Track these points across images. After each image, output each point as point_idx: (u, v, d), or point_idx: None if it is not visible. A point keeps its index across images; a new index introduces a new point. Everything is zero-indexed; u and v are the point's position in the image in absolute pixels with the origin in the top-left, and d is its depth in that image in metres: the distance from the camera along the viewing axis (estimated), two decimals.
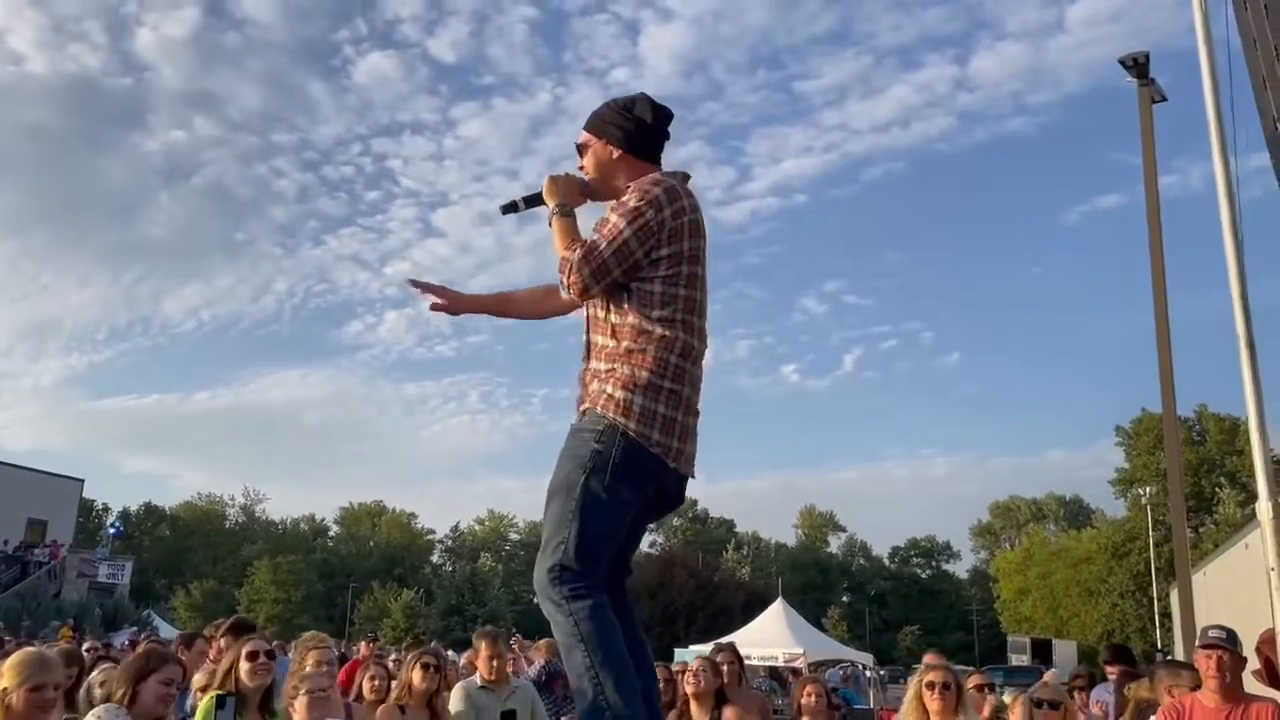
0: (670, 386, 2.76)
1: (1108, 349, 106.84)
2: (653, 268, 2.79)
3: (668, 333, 2.77)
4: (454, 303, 3.32)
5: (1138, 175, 13.33)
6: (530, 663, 9.35)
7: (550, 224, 2.98)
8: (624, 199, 2.86)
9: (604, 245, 2.78)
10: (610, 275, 2.79)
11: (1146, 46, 12.72)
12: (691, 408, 2.83)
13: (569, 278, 2.81)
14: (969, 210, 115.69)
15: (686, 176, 3.01)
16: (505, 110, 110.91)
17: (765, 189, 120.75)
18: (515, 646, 11.49)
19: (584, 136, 3.08)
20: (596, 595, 2.70)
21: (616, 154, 3.00)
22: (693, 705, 5.26)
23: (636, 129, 3.00)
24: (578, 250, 2.81)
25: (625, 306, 2.81)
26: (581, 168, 3.09)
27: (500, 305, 3.41)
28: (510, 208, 3.17)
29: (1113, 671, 7.35)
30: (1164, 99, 12.48)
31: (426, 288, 3.31)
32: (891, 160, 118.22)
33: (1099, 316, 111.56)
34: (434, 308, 3.32)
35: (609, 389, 2.76)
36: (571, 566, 2.70)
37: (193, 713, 4.35)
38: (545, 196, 3.05)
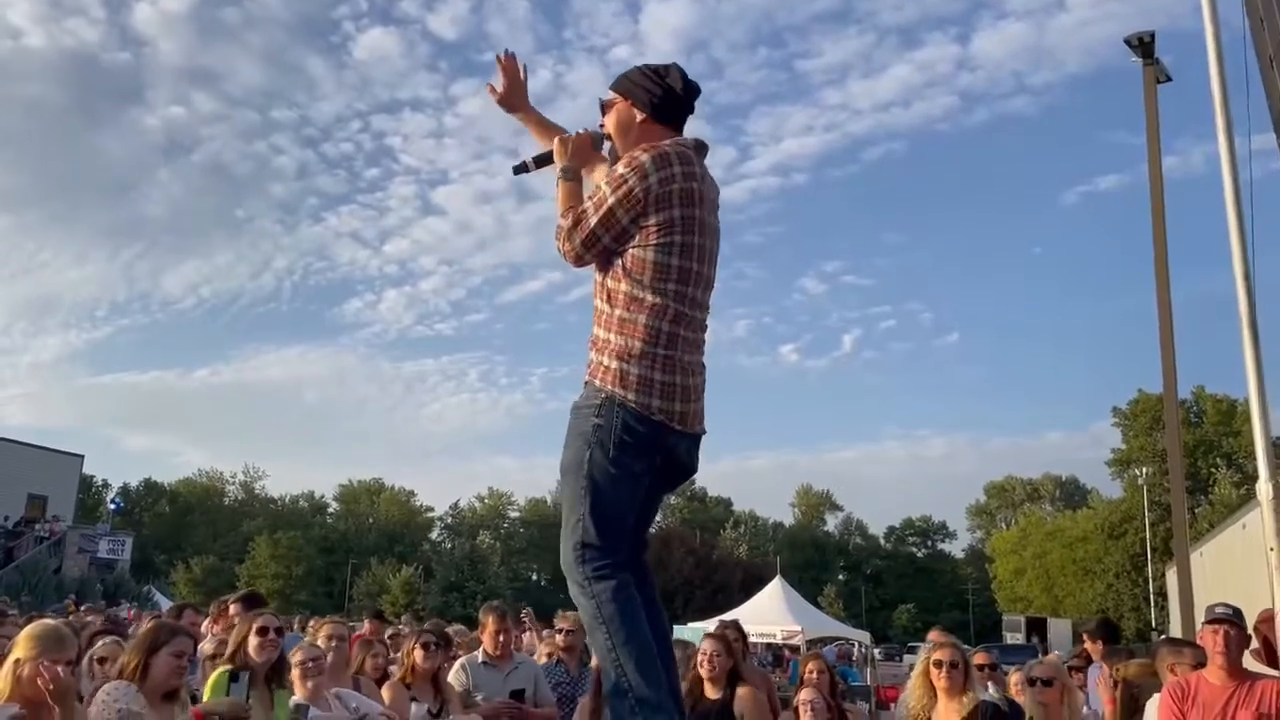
0: (664, 353, 2.78)
1: (1105, 330, 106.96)
2: (643, 235, 2.80)
3: (659, 300, 2.78)
4: (512, 98, 3.44)
5: (1138, 156, 13.29)
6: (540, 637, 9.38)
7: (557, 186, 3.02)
8: (615, 166, 2.89)
9: (592, 213, 2.83)
10: (600, 243, 2.84)
11: (1148, 26, 12.61)
12: (690, 369, 2.85)
13: (562, 245, 2.87)
14: (969, 190, 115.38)
15: (700, 145, 3.00)
16: None
17: (766, 168, 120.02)
18: (525, 620, 11.55)
19: (610, 96, 3.07)
20: (620, 575, 2.73)
21: (640, 117, 3.00)
22: (706, 686, 5.26)
23: (665, 95, 3.00)
24: (569, 218, 2.86)
25: (620, 273, 2.83)
26: (602, 125, 3.10)
27: (546, 134, 3.39)
28: (521, 168, 3.19)
29: (1094, 648, 7.16)
30: (1169, 79, 12.42)
31: (508, 68, 3.40)
32: (892, 140, 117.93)
33: (1097, 297, 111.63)
34: (491, 90, 3.42)
35: (605, 360, 2.79)
36: (594, 543, 2.73)
37: (202, 682, 4.39)
38: (555, 157, 3.06)
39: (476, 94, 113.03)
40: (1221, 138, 5.55)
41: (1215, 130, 5.60)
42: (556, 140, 3.09)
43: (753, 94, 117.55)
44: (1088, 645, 7.22)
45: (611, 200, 2.80)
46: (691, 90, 3.04)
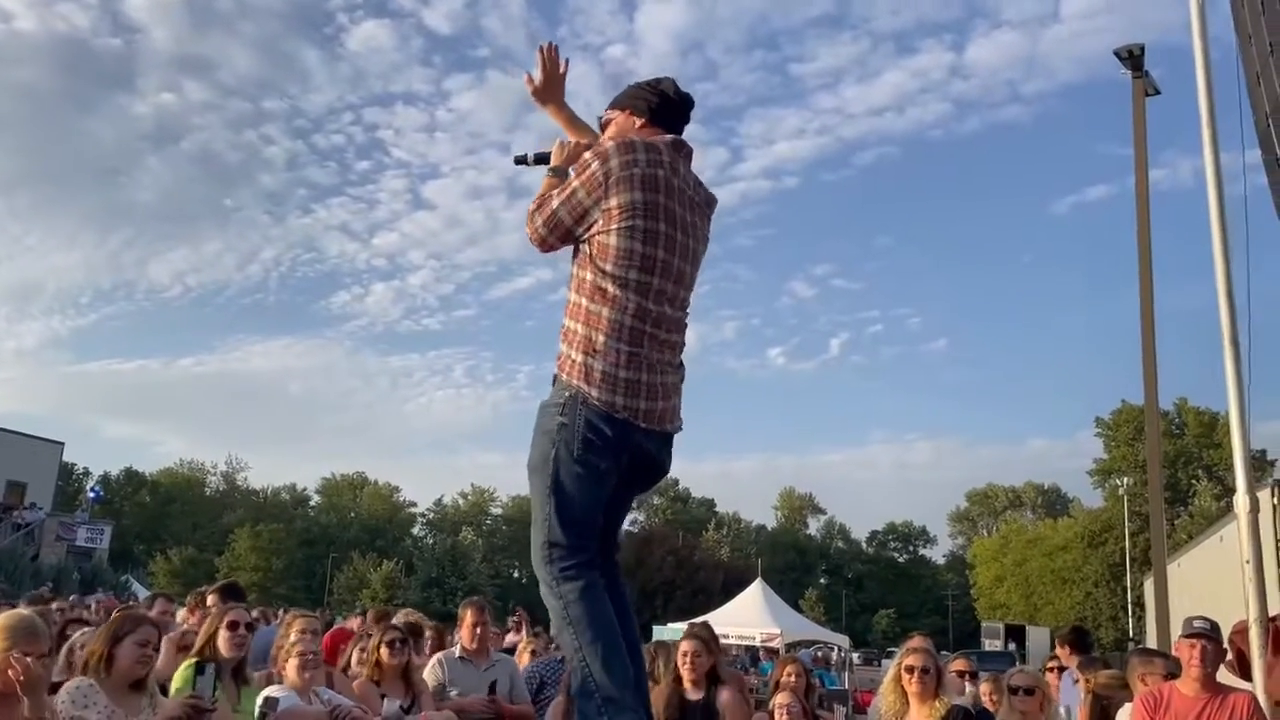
0: (629, 349, 2.78)
1: (1091, 340, 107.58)
2: (605, 219, 2.82)
3: (619, 293, 2.79)
4: (547, 91, 3.38)
5: (1128, 167, 13.38)
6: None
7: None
8: (582, 154, 2.94)
9: (555, 197, 2.88)
10: (562, 224, 2.88)
11: (1141, 39, 12.71)
12: (658, 367, 2.85)
13: (527, 228, 2.93)
14: (960, 197, 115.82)
15: (678, 143, 3.02)
16: (499, 83, 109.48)
17: (758, 171, 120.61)
18: (519, 619, 11.54)
19: (609, 113, 3.15)
20: (587, 575, 2.74)
21: (639, 123, 3.05)
22: (688, 686, 5.25)
23: (661, 101, 3.07)
24: (536, 202, 2.93)
25: (586, 260, 2.86)
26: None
27: (576, 132, 3.38)
28: (521, 159, 3.27)
29: (1064, 654, 7.13)
30: (1157, 92, 12.49)
31: (548, 60, 3.36)
32: (885, 145, 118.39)
33: (1084, 307, 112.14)
34: (529, 80, 3.38)
35: (573, 354, 2.81)
36: (560, 542, 2.74)
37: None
38: (552, 157, 3.10)
39: (470, 89, 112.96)
40: (1207, 154, 5.58)
41: (1202, 146, 5.63)
42: (556, 142, 3.14)
43: (746, 96, 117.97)
44: (1059, 651, 7.26)
45: (575, 182, 2.86)
46: (685, 98, 3.12)
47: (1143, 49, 12.47)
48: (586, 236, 2.86)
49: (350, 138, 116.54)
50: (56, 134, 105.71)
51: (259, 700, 4.15)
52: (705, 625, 6.55)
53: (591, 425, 2.73)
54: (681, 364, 2.98)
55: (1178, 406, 64.59)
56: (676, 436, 2.98)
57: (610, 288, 2.79)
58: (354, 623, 11.49)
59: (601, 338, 2.77)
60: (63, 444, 49.42)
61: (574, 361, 2.79)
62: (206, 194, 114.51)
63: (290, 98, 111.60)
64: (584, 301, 2.82)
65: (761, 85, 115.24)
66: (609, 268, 2.80)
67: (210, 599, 6.45)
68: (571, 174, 2.90)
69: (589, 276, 2.83)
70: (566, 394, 2.77)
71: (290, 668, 4.40)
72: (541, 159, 3.17)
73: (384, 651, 5.36)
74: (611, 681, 2.64)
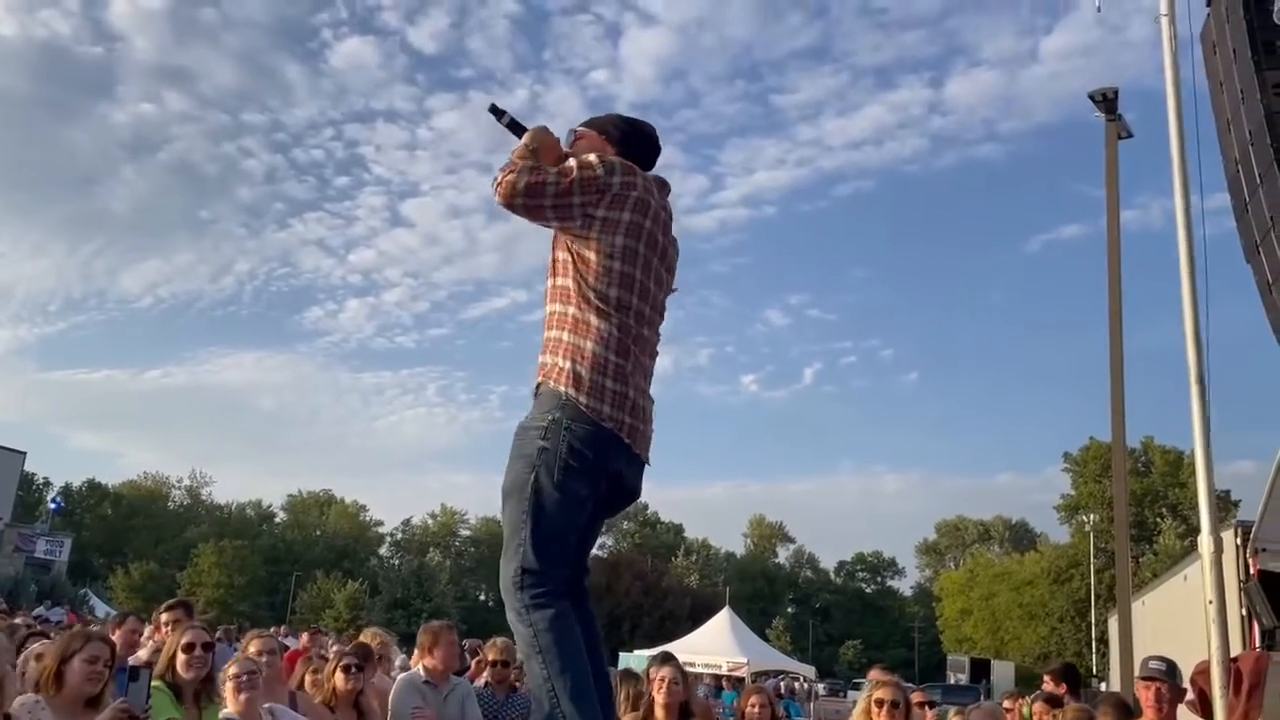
0: (615, 360, 2.79)
1: (1061, 377, 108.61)
2: (586, 225, 2.83)
3: (603, 305, 2.81)
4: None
5: (1101, 207, 13.59)
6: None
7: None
8: (587, 155, 2.92)
9: (550, 175, 2.82)
10: (539, 200, 2.80)
11: (1116, 83, 12.94)
12: (640, 389, 2.86)
13: (504, 175, 2.82)
14: (935, 232, 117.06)
15: (662, 182, 3.08)
16: (482, 104, 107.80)
17: (736, 199, 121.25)
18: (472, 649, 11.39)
19: (582, 130, 3.16)
20: (558, 604, 2.70)
21: (610, 150, 3.06)
22: (660, 715, 5.20)
23: (634, 133, 3.13)
24: (528, 163, 2.83)
25: (571, 270, 2.86)
26: (568, 155, 3.11)
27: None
28: (498, 111, 3.15)
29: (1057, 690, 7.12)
30: (1130, 135, 12.72)
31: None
32: (862, 178, 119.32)
33: (1055, 344, 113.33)
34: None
35: (560, 361, 2.79)
36: (533, 568, 2.70)
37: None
38: (525, 137, 3.03)
39: (452, 109, 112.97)
40: (1178, 198, 5.67)
41: (1173, 189, 5.72)
42: (540, 126, 3.06)
43: (728, 125, 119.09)
44: (1049, 687, 7.23)
45: (575, 175, 2.82)
46: (657, 144, 3.19)
47: (1116, 92, 12.69)
48: (567, 240, 2.87)
49: (330, 153, 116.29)
50: (32, 140, 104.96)
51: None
52: (663, 655, 6.50)
53: (573, 450, 2.70)
54: (651, 397, 2.98)
55: (1144, 444, 65.22)
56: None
57: (595, 299, 2.81)
58: (304, 639, 11.33)
59: (590, 345, 2.78)
60: (25, 453, 48.66)
61: (561, 369, 2.78)
62: (182, 205, 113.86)
63: (271, 111, 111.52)
64: (570, 310, 2.83)
65: (743, 115, 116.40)
66: (591, 280, 2.82)
67: (165, 617, 6.30)
68: (572, 163, 2.86)
69: (573, 286, 2.84)
70: (550, 417, 2.73)
71: (227, 691, 4.33)
72: (515, 129, 3.10)
73: (339, 677, 5.29)
74: (580, 713, 2.61)
